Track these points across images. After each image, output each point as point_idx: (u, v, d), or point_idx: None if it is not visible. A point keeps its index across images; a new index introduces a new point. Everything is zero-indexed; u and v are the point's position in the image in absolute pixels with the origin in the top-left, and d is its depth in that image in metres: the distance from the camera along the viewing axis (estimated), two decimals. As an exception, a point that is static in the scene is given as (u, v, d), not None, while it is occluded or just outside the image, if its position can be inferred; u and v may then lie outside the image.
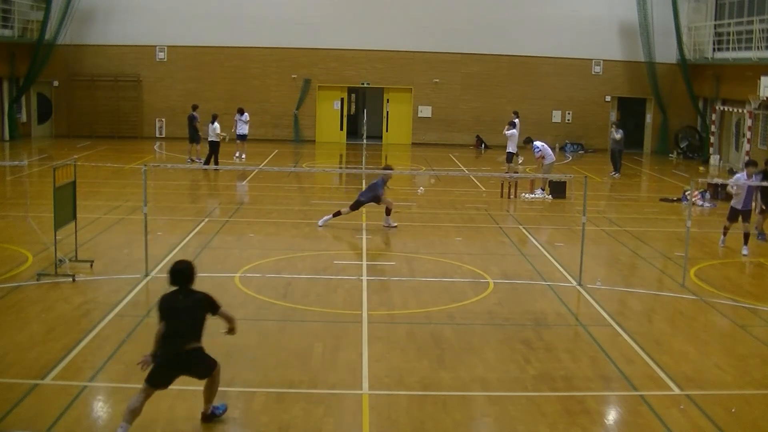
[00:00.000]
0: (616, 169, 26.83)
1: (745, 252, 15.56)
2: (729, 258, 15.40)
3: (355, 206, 17.05)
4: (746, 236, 15.63)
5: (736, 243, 15.91)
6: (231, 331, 8.16)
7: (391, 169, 17.72)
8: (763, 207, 16.46)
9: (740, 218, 15.67)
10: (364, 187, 19.25)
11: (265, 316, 11.14)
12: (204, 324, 7.76)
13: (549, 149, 22.49)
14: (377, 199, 16.89)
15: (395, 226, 16.96)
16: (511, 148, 25.17)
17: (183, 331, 7.62)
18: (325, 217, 16.94)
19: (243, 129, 28.18)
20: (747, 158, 22.26)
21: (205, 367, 7.79)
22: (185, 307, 7.65)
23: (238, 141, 28.18)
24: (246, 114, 28.40)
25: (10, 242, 14.63)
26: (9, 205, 18.70)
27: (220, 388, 8.53)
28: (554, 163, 22.84)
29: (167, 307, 7.67)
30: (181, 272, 7.76)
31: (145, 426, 7.62)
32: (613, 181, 25.81)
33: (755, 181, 15.25)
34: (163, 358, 7.54)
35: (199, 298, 7.76)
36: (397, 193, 22.61)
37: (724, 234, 16.01)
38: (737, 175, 16.00)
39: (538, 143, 22.25)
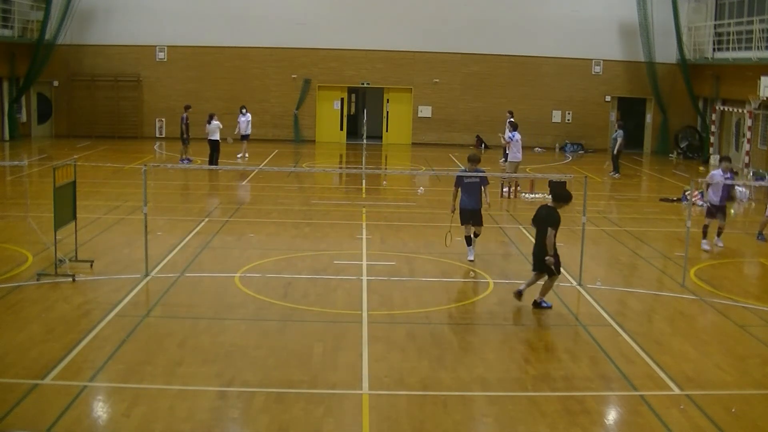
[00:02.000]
0: (615, 169, 26.85)
1: (720, 244, 15.77)
2: (729, 258, 15.40)
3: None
4: (720, 229, 15.88)
5: (735, 243, 15.91)
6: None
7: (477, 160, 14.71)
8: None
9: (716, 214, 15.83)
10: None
11: (265, 316, 11.14)
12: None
13: (520, 150, 22.54)
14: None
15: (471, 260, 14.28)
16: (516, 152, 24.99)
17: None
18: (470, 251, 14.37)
19: (246, 129, 28.26)
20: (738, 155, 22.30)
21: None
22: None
23: (242, 140, 28.33)
24: (249, 114, 28.49)
25: (10, 242, 14.63)
26: (9, 205, 18.70)
27: (220, 388, 8.55)
28: (519, 164, 22.88)
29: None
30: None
31: (145, 426, 7.63)
32: (613, 181, 25.80)
33: (730, 178, 15.66)
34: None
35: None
36: (397, 193, 22.64)
37: (705, 235, 15.74)
38: (713, 172, 16.13)
39: (517, 135, 22.35)
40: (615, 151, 26.57)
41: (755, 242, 16.49)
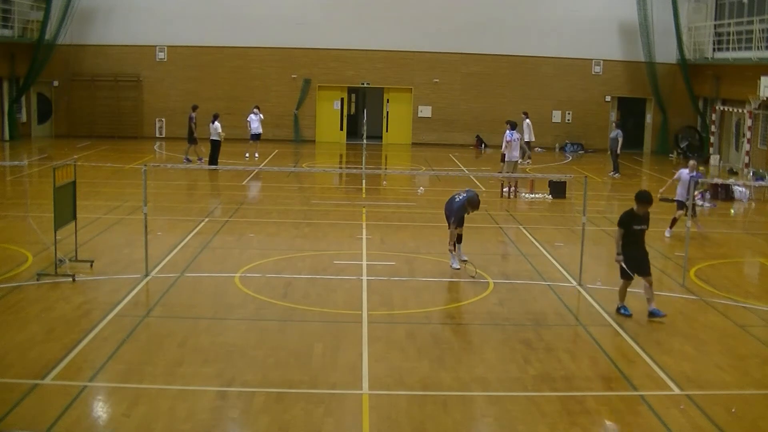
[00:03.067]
0: (614, 168, 26.88)
1: (667, 234, 16.96)
2: (729, 258, 15.40)
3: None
4: (674, 221, 17.08)
5: (735, 243, 15.92)
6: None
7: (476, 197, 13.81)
8: None
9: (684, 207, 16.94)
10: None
11: (265, 316, 11.14)
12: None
13: (518, 149, 22.59)
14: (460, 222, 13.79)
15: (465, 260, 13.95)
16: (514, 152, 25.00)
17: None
18: (454, 257, 13.88)
19: (258, 128, 28.49)
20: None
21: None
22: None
23: (252, 140, 28.47)
24: (261, 114, 28.77)
25: (10, 242, 14.63)
26: (9, 205, 18.70)
27: (220, 388, 8.54)
28: (517, 164, 22.87)
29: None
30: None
31: (145, 426, 7.63)
32: (613, 181, 25.80)
33: (696, 176, 16.85)
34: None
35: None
36: (398, 193, 22.63)
37: (671, 225, 17.05)
38: (681, 170, 17.53)
39: (515, 134, 22.45)
40: (617, 151, 26.61)
41: (752, 239, 16.48)
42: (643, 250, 11.40)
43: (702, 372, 9.40)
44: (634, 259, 11.28)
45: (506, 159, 22.46)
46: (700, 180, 17.35)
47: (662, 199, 21.92)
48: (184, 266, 13.39)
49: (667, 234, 17.01)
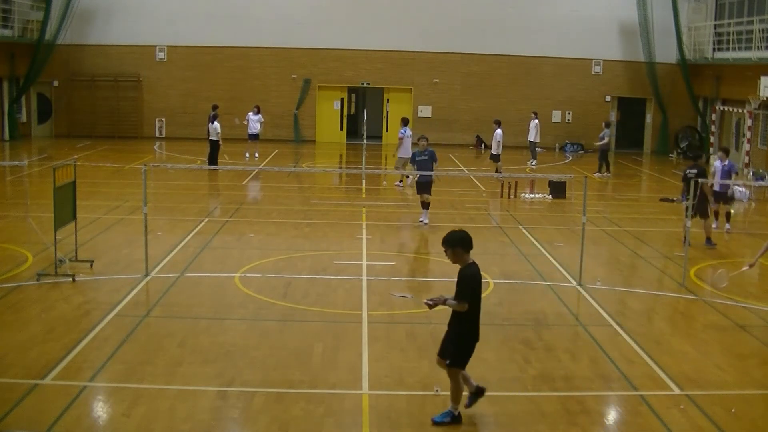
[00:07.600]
0: (606, 168, 27.00)
1: (727, 227, 17.41)
2: (729, 258, 15.40)
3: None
4: (716, 214, 17.46)
5: (734, 243, 15.91)
6: None
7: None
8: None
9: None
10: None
11: (265, 316, 11.14)
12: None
13: (409, 145, 22.45)
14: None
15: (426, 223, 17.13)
16: (495, 149, 25.16)
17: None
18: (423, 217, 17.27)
19: (255, 128, 28.48)
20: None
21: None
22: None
23: (250, 140, 28.45)
24: (260, 114, 28.73)
25: (10, 242, 14.62)
26: (9, 205, 18.69)
27: (220, 388, 8.54)
28: (406, 161, 22.52)
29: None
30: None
31: (145, 426, 7.63)
32: (613, 182, 25.80)
33: (729, 165, 17.50)
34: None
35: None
36: (397, 193, 22.61)
37: (717, 218, 17.42)
38: (714, 163, 18.10)
39: (407, 130, 22.69)
40: (604, 149, 26.93)
41: (756, 242, 16.47)
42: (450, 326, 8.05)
43: (702, 372, 9.40)
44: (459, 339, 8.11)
45: (399, 152, 22.70)
46: (733, 169, 18.02)
47: (662, 199, 21.98)
48: (184, 266, 13.39)
49: (727, 227, 17.49)
